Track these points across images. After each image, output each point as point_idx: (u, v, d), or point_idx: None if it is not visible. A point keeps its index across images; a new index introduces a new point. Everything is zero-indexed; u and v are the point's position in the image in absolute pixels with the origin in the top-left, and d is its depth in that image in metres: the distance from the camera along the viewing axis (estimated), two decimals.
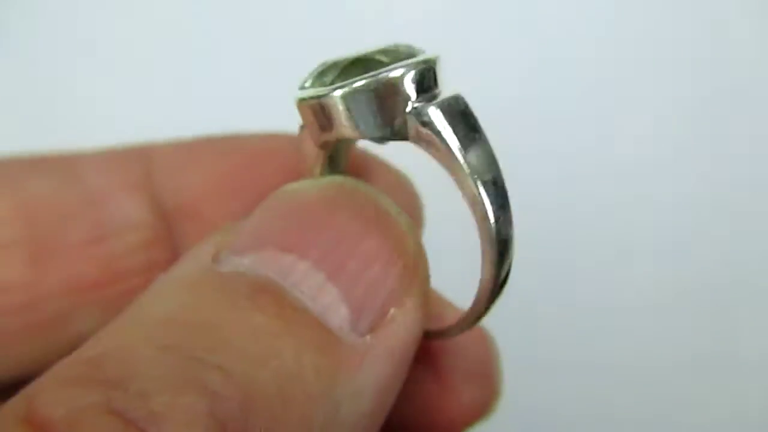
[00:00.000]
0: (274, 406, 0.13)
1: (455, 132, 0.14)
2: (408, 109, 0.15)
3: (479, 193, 0.15)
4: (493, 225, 0.15)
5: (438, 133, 0.14)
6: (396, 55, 0.16)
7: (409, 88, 0.15)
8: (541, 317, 0.34)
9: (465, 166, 0.14)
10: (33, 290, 0.19)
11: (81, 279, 0.19)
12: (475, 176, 0.14)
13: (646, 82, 0.35)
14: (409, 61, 0.15)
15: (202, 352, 0.13)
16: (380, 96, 0.15)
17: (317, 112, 0.15)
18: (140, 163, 0.20)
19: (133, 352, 0.13)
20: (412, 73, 0.14)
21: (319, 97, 0.15)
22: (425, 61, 0.15)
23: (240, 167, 0.20)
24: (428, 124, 0.14)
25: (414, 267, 0.15)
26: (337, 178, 0.16)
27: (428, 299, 0.15)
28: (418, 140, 0.15)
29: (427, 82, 0.15)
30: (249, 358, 0.13)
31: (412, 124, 0.15)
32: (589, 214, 0.34)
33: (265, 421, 0.12)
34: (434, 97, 0.15)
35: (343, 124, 0.15)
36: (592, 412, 0.33)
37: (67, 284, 0.19)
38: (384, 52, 0.16)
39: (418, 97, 0.15)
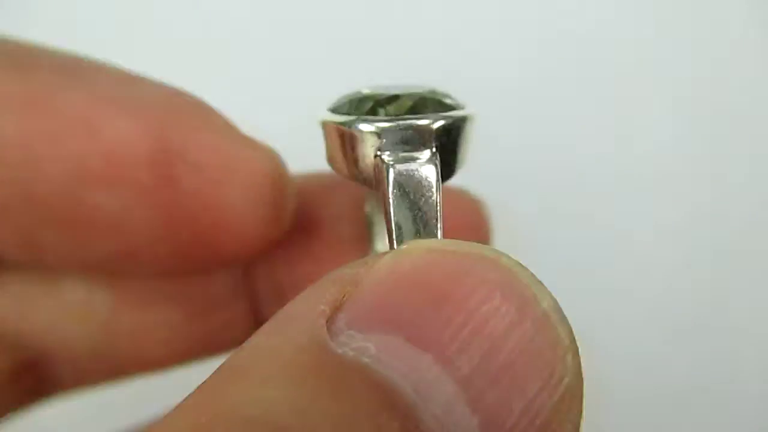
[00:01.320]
0: None
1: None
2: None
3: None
4: None
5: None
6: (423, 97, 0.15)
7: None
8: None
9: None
10: (29, 150, 0.15)
11: (85, 159, 0.15)
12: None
13: (646, 81, 0.35)
14: (442, 114, 0.14)
15: None
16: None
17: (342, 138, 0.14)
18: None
19: None
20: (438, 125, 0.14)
21: (344, 124, 0.14)
22: (455, 117, 0.14)
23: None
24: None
25: (575, 387, 0.11)
26: (479, 247, 0.12)
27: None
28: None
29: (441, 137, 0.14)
30: None
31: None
32: (587, 198, 0.34)
33: None
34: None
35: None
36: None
37: (69, 155, 0.15)
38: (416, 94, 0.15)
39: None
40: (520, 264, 0.12)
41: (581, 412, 0.11)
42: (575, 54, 0.35)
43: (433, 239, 0.13)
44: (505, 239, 0.34)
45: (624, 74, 0.35)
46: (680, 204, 0.34)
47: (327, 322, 0.11)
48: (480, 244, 0.12)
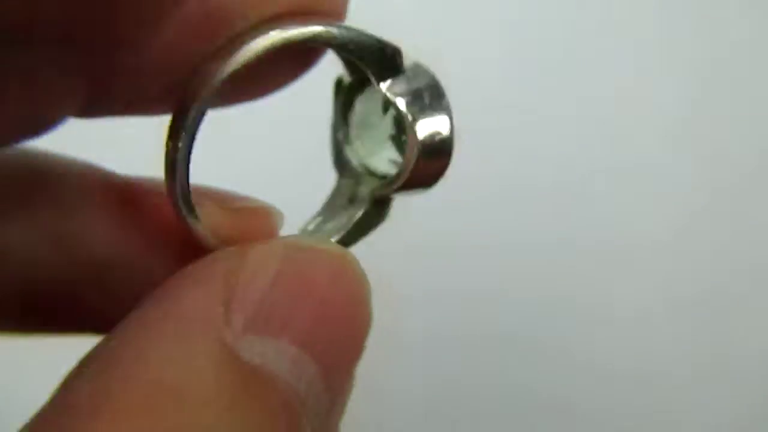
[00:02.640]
0: None
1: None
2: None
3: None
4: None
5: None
6: None
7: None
8: (540, 318, 0.33)
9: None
10: None
11: None
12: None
13: (646, 81, 0.35)
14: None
15: None
16: None
17: None
18: None
19: None
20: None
21: None
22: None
23: None
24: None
25: None
26: (346, 253, 0.14)
27: None
28: None
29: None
30: None
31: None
32: (587, 216, 0.34)
33: None
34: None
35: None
36: (591, 415, 0.33)
37: None
38: None
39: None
40: (356, 259, 0.14)
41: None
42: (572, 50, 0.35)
43: (294, 236, 0.14)
44: (508, 233, 0.34)
45: (622, 71, 0.35)
46: (680, 197, 0.34)
47: (226, 323, 0.12)
48: (330, 241, 0.14)
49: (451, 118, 0.15)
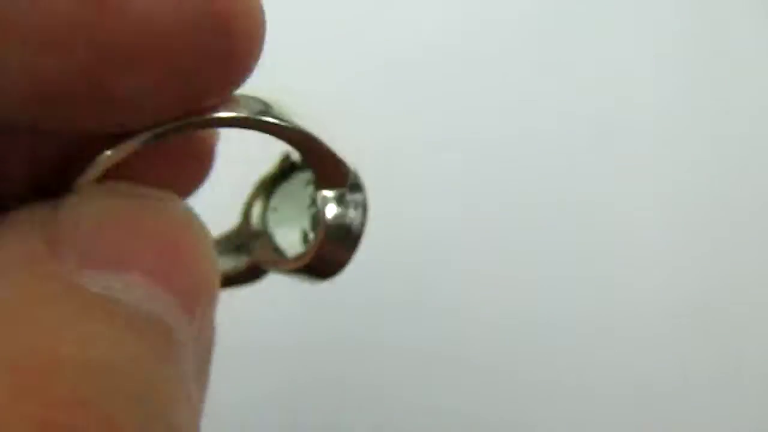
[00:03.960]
0: None
1: None
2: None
3: None
4: None
5: None
6: None
7: None
8: (536, 331, 0.33)
9: None
10: None
11: None
12: None
13: (645, 80, 0.35)
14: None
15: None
16: None
17: None
18: None
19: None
20: None
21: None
22: None
23: None
24: None
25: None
26: (150, 191, 0.14)
27: None
28: None
29: None
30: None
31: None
32: (587, 216, 0.34)
33: None
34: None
35: None
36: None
37: None
38: None
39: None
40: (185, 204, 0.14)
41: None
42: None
43: (105, 185, 0.14)
44: (504, 229, 0.34)
45: (622, 70, 0.35)
46: (680, 196, 0.34)
47: (60, 263, 0.12)
48: (148, 189, 0.14)
49: (365, 212, 0.15)
